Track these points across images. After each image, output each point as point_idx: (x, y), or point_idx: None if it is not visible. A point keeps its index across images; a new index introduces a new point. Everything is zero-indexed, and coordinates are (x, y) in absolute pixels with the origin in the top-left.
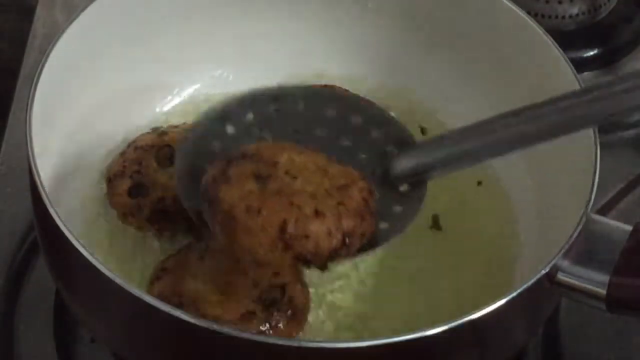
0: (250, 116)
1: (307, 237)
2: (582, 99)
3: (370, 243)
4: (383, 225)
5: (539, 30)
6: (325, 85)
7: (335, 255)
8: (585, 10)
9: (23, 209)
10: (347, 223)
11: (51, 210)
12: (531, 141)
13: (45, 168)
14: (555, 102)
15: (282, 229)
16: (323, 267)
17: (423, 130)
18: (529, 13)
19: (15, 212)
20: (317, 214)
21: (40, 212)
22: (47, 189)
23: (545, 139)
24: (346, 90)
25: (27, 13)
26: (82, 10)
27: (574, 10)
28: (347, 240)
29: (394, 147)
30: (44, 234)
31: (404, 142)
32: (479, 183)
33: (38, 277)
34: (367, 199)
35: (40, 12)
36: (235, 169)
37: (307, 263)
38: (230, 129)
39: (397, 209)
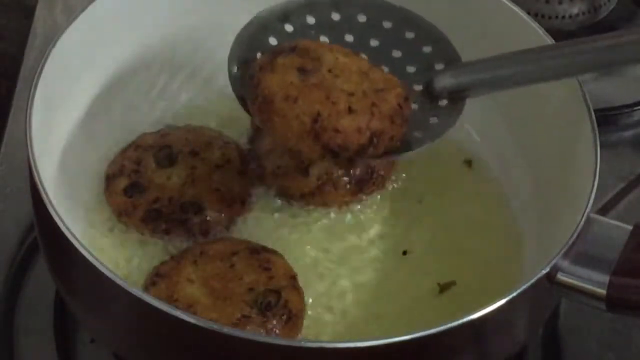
0: (310, 19)
1: (337, 131)
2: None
3: (399, 147)
4: (417, 133)
5: (539, 30)
6: None
7: (362, 152)
8: (585, 10)
9: (23, 209)
10: (377, 124)
11: (51, 210)
12: (572, 73)
13: (45, 168)
14: (597, 39)
15: (315, 119)
16: (350, 162)
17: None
18: (528, 13)
19: (15, 212)
20: (350, 110)
21: (40, 212)
22: (47, 189)
23: (585, 72)
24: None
25: (27, 13)
26: (82, 10)
27: (574, 10)
28: (374, 140)
29: (442, 64)
30: (44, 234)
31: (452, 61)
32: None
33: (38, 277)
34: (402, 105)
35: (40, 12)
36: (282, 59)
37: (335, 156)
38: (288, 28)
39: (433, 120)
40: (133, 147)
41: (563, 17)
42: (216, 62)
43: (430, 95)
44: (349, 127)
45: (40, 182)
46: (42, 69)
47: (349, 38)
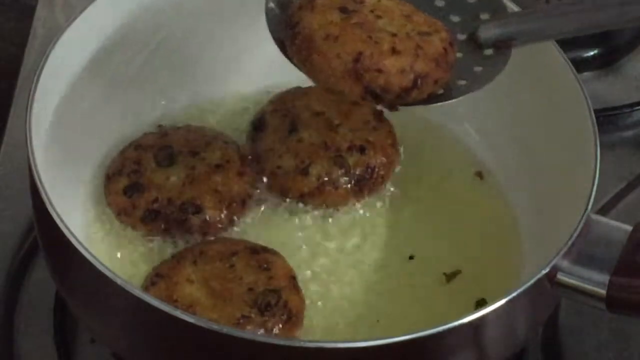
0: None
1: (379, 71)
2: None
3: (443, 94)
4: (461, 81)
5: None
6: None
7: (405, 95)
8: None
9: (23, 209)
10: (422, 66)
11: (51, 210)
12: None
13: (45, 168)
14: None
15: (357, 59)
16: (392, 106)
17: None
18: None
19: (15, 212)
20: (394, 51)
21: (40, 212)
22: (47, 189)
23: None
24: None
25: (27, 13)
26: (82, 10)
27: None
28: (418, 82)
29: (487, 14)
30: (44, 234)
31: (497, 10)
32: (480, 177)
33: (38, 277)
34: (447, 49)
35: (40, 12)
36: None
37: (376, 98)
38: None
39: (478, 69)
40: (133, 147)
41: None
42: (218, 61)
43: (474, 44)
44: (393, 68)
45: (40, 182)
46: (42, 69)
47: None
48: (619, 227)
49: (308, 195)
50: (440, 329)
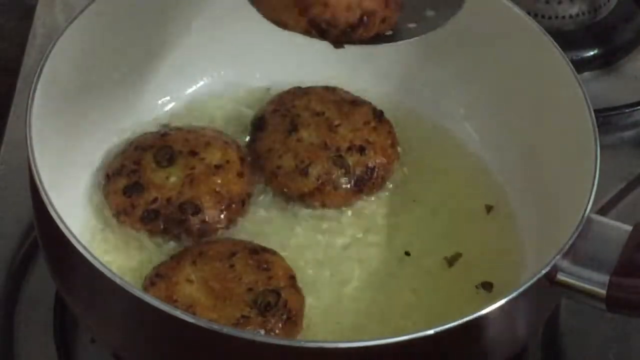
0: None
1: (325, 4)
2: None
3: (391, 36)
4: (411, 24)
5: (539, 30)
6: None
7: (351, 31)
8: (585, 10)
9: (23, 209)
10: (370, 3)
11: (51, 210)
12: None
13: (45, 168)
14: None
15: None
16: (337, 43)
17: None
18: (529, 13)
19: (15, 212)
20: None
21: (40, 212)
22: (47, 189)
23: None
24: None
25: (27, 13)
26: (82, 10)
27: (574, 10)
28: (365, 19)
29: None
30: (44, 234)
31: None
32: (480, 177)
33: (38, 277)
34: None
35: (40, 12)
36: None
37: (322, 33)
38: None
39: (430, 13)
40: (133, 147)
41: (563, 17)
42: (218, 61)
43: None
44: (339, 3)
45: (40, 182)
46: (42, 69)
47: None
48: (619, 227)
49: (308, 195)
50: (440, 329)
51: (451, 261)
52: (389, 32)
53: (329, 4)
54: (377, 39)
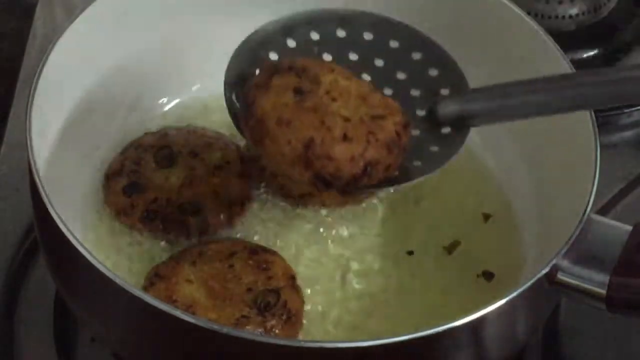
0: (314, 35)
1: (330, 159)
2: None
3: (397, 177)
4: (416, 162)
5: (539, 30)
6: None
7: (355, 182)
8: (585, 10)
9: (23, 209)
10: (373, 153)
11: (51, 210)
12: (588, 105)
13: (46, 168)
14: (614, 71)
15: (307, 146)
16: (343, 192)
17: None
18: (529, 13)
19: (15, 212)
20: (345, 138)
21: (40, 212)
22: (47, 189)
23: (602, 105)
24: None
25: (27, 13)
26: (82, 10)
27: (574, 10)
28: (368, 169)
29: (447, 89)
30: (44, 234)
31: (458, 87)
32: (480, 177)
33: (38, 277)
34: (400, 133)
35: (40, 12)
36: (278, 79)
37: (327, 185)
38: (291, 43)
39: (434, 149)
40: (133, 147)
41: (563, 17)
42: (218, 61)
43: (433, 121)
44: (343, 156)
45: (40, 182)
46: (42, 69)
47: (354, 56)
48: (619, 227)
49: (307, 195)
50: (441, 329)
51: (450, 249)
52: (396, 173)
53: (333, 158)
54: (383, 182)
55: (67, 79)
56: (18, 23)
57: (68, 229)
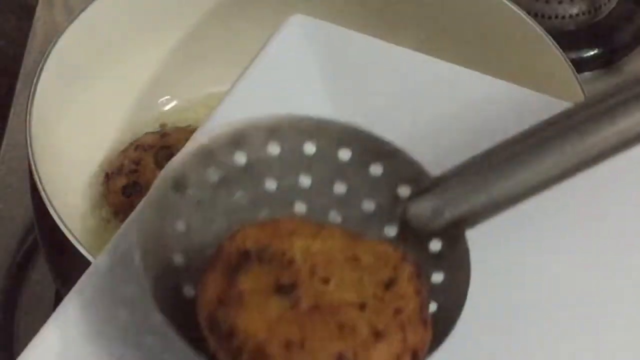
0: (211, 174)
1: None
2: None
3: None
4: (432, 307)
5: (539, 31)
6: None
7: None
8: (585, 10)
9: (23, 209)
10: (414, 337)
11: (51, 210)
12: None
13: (45, 168)
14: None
15: None
16: None
17: None
18: (529, 13)
19: (15, 212)
20: (377, 335)
21: (40, 212)
22: (47, 189)
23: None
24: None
25: (27, 13)
26: (82, 10)
27: (574, 10)
28: (419, 355)
29: (407, 187)
30: (44, 234)
31: (417, 180)
32: None
33: (38, 277)
34: (420, 288)
35: (40, 12)
36: (245, 281)
37: None
38: (192, 193)
39: (438, 277)
40: (133, 147)
41: (563, 17)
42: (219, 61)
43: (413, 240)
44: (385, 358)
45: (40, 182)
46: (42, 69)
47: (270, 184)
48: None
49: None
50: None
51: None
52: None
53: None
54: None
55: (67, 79)
56: (18, 23)
57: (68, 229)
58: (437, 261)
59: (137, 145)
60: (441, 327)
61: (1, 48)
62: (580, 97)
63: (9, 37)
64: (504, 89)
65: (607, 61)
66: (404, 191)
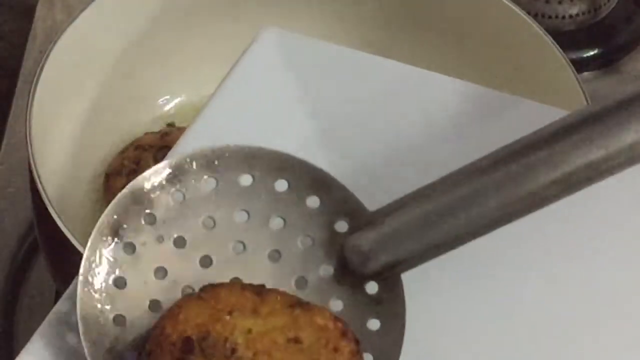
0: (145, 218)
1: None
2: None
3: None
4: (367, 358)
5: (539, 30)
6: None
7: None
8: (585, 10)
9: (23, 209)
10: None
11: (51, 210)
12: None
13: (45, 168)
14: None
15: None
16: None
17: None
18: (529, 13)
19: (15, 212)
20: None
21: (40, 212)
22: (47, 189)
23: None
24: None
25: (27, 13)
26: (82, 10)
27: (574, 10)
28: None
29: (345, 222)
30: (44, 234)
31: (355, 214)
32: None
33: (38, 277)
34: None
35: (40, 12)
36: None
37: None
38: (127, 240)
39: (374, 324)
40: (133, 147)
41: (563, 17)
42: (219, 61)
43: (350, 281)
44: None
45: (40, 182)
46: (42, 69)
47: (208, 223)
48: None
49: None
50: None
51: None
52: None
53: None
54: None
55: (67, 79)
56: (18, 23)
57: (68, 229)
58: (373, 306)
59: (137, 146)
60: None
61: (1, 48)
62: (580, 97)
63: (9, 37)
64: (474, 92)
65: (607, 61)
66: (341, 226)
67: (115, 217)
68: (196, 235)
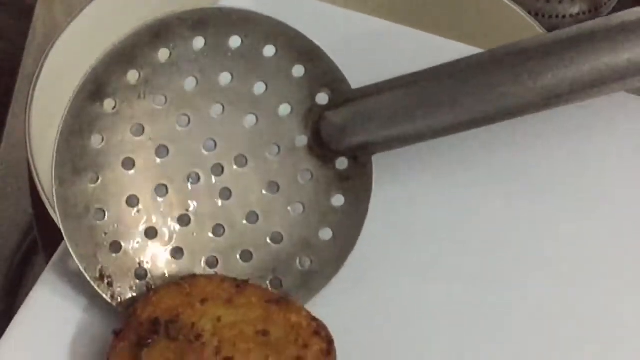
0: (130, 78)
1: None
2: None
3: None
4: (324, 233)
5: (539, 30)
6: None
7: None
8: (586, 10)
9: (23, 209)
10: None
11: (51, 211)
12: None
13: (45, 168)
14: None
15: None
16: None
17: None
18: (529, 13)
19: (15, 212)
20: None
21: (40, 212)
22: (47, 189)
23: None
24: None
25: (27, 13)
26: (82, 10)
27: (575, 10)
28: None
29: (326, 95)
30: (43, 234)
31: (338, 88)
32: None
33: (38, 277)
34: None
35: (40, 12)
36: (149, 357)
37: None
38: (110, 102)
39: (339, 199)
40: None
41: (564, 16)
42: None
43: (322, 153)
44: None
45: (40, 182)
46: (42, 69)
47: (191, 83)
48: None
49: None
50: None
51: None
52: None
53: None
54: None
55: (67, 79)
56: (18, 23)
57: None
58: (340, 182)
59: None
60: (337, 253)
61: (1, 48)
62: None
63: (8, 36)
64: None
65: None
66: (322, 98)
67: (99, 74)
68: (178, 95)
